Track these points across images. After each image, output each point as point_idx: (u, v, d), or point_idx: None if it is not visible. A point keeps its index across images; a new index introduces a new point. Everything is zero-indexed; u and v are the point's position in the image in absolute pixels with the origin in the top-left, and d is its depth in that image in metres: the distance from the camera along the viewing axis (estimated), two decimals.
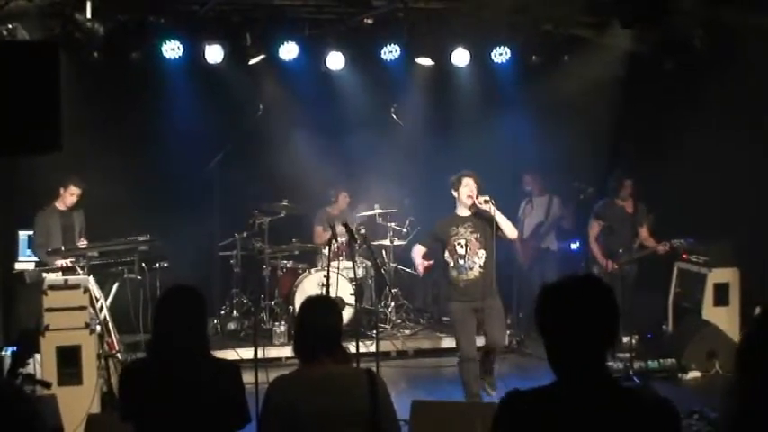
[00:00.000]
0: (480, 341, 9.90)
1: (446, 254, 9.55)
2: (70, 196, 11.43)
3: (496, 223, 9.33)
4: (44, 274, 10.20)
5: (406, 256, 11.61)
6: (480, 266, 9.46)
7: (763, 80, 10.77)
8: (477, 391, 9.45)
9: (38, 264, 11.09)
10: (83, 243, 11.31)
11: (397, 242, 13.30)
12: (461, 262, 9.44)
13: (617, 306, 3.33)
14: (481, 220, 9.50)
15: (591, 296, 3.32)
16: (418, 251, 9.93)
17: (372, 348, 9.91)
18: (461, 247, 9.44)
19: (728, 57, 11.35)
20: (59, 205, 11.46)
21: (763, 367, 3.10)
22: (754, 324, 3.31)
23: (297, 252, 13.45)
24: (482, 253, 9.46)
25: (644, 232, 11.86)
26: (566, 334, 3.30)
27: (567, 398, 3.29)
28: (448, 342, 12.35)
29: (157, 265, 10.86)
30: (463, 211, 9.58)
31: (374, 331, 10.75)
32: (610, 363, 3.58)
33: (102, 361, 9.44)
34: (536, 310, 3.38)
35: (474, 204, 9.46)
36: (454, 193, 9.59)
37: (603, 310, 3.31)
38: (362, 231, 11.18)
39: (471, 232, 9.46)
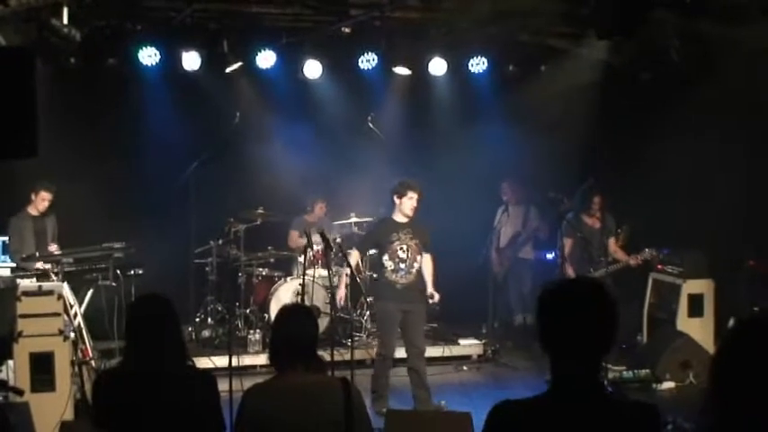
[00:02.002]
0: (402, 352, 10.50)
1: (385, 257, 10.02)
2: (42, 201, 11.42)
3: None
4: (18, 280, 10.15)
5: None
6: (417, 270, 10.11)
7: (738, 91, 10.82)
8: (386, 390, 10.19)
9: (13, 269, 11.04)
10: (53, 248, 11.27)
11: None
12: (402, 266, 10.00)
13: (617, 312, 3.36)
14: (418, 227, 10.13)
15: (593, 299, 3.35)
16: (355, 257, 10.50)
17: (347, 357, 9.90)
18: (403, 251, 10.00)
19: (704, 68, 11.41)
20: (32, 210, 11.46)
21: (737, 380, 3.11)
22: (729, 336, 3.31)
23: (272, 260, 13.43)
24: (419, 258, 10.11)
25: (612, 245, 11.84)
26: (563, 336, 3.32)
27: (557, 408, 3.30)
28: None
29: (132, 272, 10.82)
30: (401, 218, 10.10)
31: (349, 340, 10.74)
32: None
33: (76, 368, 9.37)
34: (538, 306, 3.40)
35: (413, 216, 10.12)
36: (396, 200, 10.05)
37: (604, 314, 3.35)
38: (338, 240, 11.18)
39: (411, 238, 10.04)
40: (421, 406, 9.94)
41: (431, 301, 10.30)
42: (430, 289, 10.24)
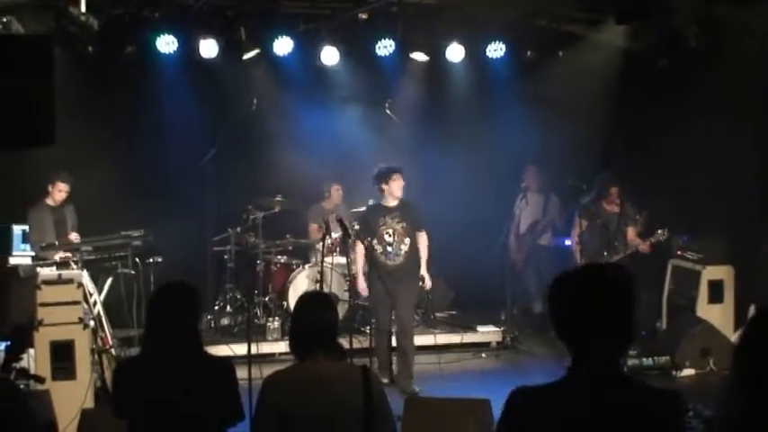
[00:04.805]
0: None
1: (374, 241, 10.43)
2: (59, 192, 11.45)
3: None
4: (38, 269, 10.18)
5: None
6: (405, 252, 10.55)
7: (756, 76, 10.75)
8: (388, 361, 10.84)
9: (33, 258, 11.08)
10: (73, 237, 11.30)
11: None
12: (389, 249, 10.50)
13: (634, 296, 3.32)
14: (407, 210, 10.51)
15: (607, 285, 3.32)
16: (361, 253, 10.67)
17: (366, 344, 9.92)
18: (389, 236, 10.46)
19: (722, 53, 11.34)
20: (50, 201, 11.47)
21: (762, 366, 3.10)
22: (752, 322, 3.29)
23: (290, 247, 13.40)
24: (407, 240, 10.55)
25: (631, 233, 11.79)
26: (579, 325, 3.30)
27: (577, 395, 3.27)
28: (441, 338, 12.36)
29: (151, 260, 10.86)
30: (390, 202, 10.50)
31: (367, 327, 10.75)
32: None
33: (96, 356, 9.41)
34: (551, 297, 3.37)
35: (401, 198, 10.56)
36: (383, 186, 10.45)
37: (619, 299, 3.31)
38: (356, 227, 11.20)
39: (398, 222, 10.45)
40: (399, 384, 10.47)
41: (422, 284, 10.86)
42: (423, 271, 10.75)
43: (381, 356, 10.72)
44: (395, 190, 10.40)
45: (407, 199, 10.63)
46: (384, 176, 10.43)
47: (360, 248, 10.62)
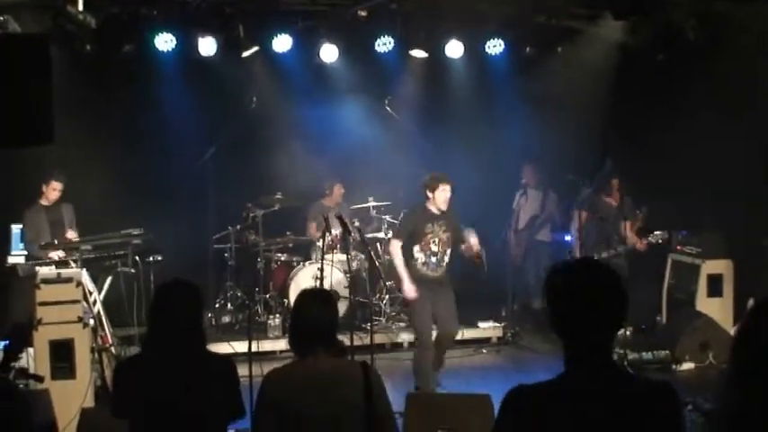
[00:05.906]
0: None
1: (416, 248, 9.91)
2: (53, 191, 11.41)
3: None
4: (37, 268, 10.17)
5: None
6: (447, 264, 10.03)
7: (753, 72, 10.76)
8: (433, 382, 10.01)
9: (28, 257, 11.06)
10: (71, 235, 11.27)
11: (391, 235, 13.27)
12: (433, 259, 9.94)
13: (625, 289, 3.37)
14: (451, 218, 10.00)
15: (599, 277, 3.36)
16: (398, 248, 10.02)
17: (367, 341, 9.91)
18: (435, 244, 9.90)
19: (721, 47, 11.33)
20: (44, 201, 11.44)
21: (759, 358, 3.10)
22: (750, 315, 3.30)
23: (291, 245, 13.43)
24: (449, 251, 10.02)
25: (628, 228, 11.81)
26: (570, 319, 3.32)
27: (572, 391, 3.29)
28: None
29: (151, 258, 10.81)
30: (435, 210, 9.93)
31: (368, 324, 10.75)
32: None
33: (96, 355, 9.40)
34: (546, 290, 3.40)
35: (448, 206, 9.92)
36: (429, 194, 9.90)
37: (612, 291, 3.34)
38: (357, 224, 11.15)
39: (444, 231, 9.94)
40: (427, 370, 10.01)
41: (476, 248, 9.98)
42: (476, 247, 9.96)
43: (429, 378, 9.96)
44: (439, 201, 9.86)
45: (453, 208, 10.07)
46: (431, 185, 9.90)
47: (395, 246, 10.03)
